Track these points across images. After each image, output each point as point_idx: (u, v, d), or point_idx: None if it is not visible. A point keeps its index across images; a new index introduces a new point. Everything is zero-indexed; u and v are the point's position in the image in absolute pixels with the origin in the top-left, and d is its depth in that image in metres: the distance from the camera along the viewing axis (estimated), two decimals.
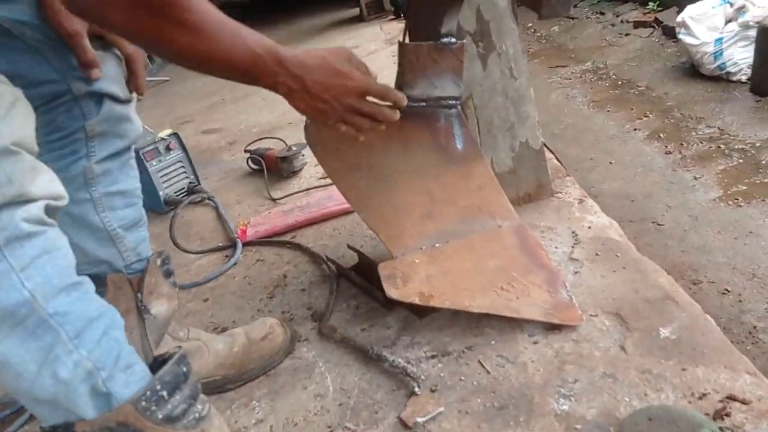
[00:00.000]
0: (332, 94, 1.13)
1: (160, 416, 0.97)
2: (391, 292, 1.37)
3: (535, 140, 1.77)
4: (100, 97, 1.20)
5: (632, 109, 3.92)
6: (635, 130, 3.62)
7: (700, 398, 1.09)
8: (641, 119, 3.73)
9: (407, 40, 1.42)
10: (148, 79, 5.00)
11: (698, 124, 3.41)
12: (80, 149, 1.23)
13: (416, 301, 1.37)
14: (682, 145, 3.25)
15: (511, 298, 1.37)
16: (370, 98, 1.18)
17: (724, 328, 1.96)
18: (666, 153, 3.23)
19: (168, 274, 1.38)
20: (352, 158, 1.46)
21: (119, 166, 1.29)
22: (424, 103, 1.43)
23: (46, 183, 0.91)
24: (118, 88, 1.24)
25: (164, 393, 0.98)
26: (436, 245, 1.49)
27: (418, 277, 1.41)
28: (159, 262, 1.35)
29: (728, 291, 2.12)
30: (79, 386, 0.91)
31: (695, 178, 2.88)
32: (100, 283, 1.20)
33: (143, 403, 0.95)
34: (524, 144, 1.77)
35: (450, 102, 1.45)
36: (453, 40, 1.38)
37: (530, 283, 1.41)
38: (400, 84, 1.43)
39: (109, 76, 1.21)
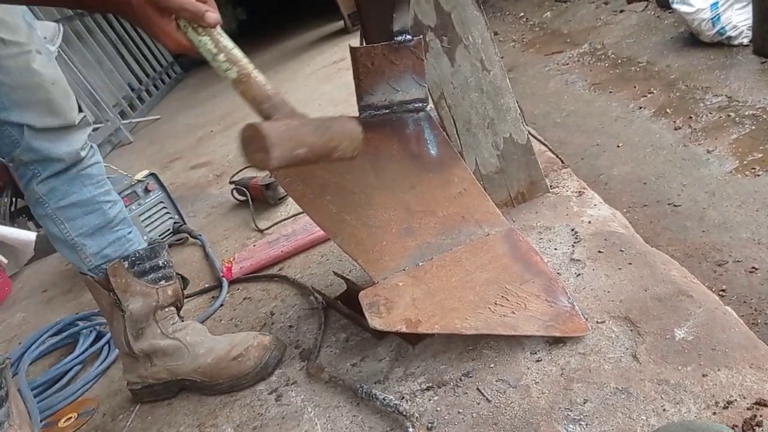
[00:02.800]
0: None
1: None
2: (375, 322, 1.23)
3: (520, 134, 1.62)
4: (19, 127, 1.30)
5: (635, 87, 3.75)
6: (640, 108, 3.45)
7: (725, 407, 0.94)
8: (645, 96, 3.55)
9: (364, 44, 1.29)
10: (139, 119, 4.99)
11: (705, 95, 3.22)
12: (26, 173, 1.38)
13: (403, 329, 1.23)
14: (690, 118, 3.07)
15: (507, 314, 1.23)
16: None
17: (756, 309, 1.80)
18: (675, 129, 3.05)
19: (141, 273, 1.47)
20: (318, 179, 1.33)
21: (67, 182, 1.40)
22: (387, 110, 1.30)
23: None
24: (34, 117, 1.30)
25: None
26: (420, 263, 1.35)
27: (402, 302, 1.27)
28: (127, 264, 1.45)
29: (756, 269, 1.95)
30: None
31: (708, 152, 2.70)
32: None
33: None
34: (508, 140, 1.62)
35: (416, 105, 1.31)
36: (408, 37, 1.25)
37: (526, 293, 1.26)
38: (359, 93, 1.30)
39: (23, 103, 1.28)
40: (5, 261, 2.92)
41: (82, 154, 1.41)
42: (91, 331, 2.00)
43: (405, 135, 1.35)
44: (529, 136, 1.66)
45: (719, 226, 2.22)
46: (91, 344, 1.94)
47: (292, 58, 5.96)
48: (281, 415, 1.34)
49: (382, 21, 1.27)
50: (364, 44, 1.36)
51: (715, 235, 2.18)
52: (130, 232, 1.52)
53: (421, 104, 1.32)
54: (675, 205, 2.47)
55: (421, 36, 1.29)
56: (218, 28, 1.04)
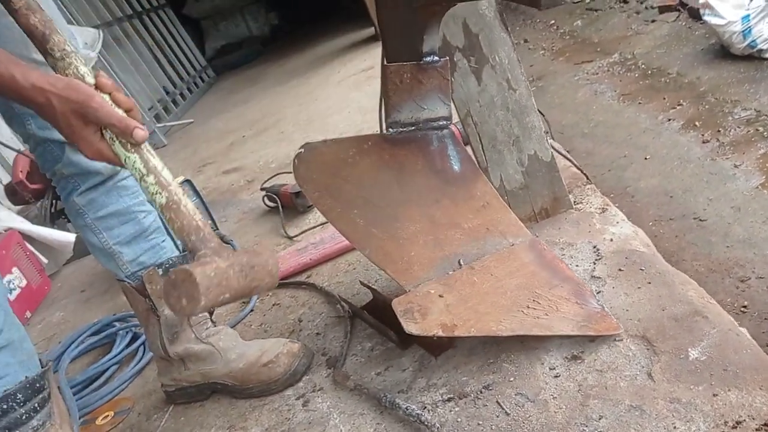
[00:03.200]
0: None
1: None
2: (411, 327, 1.26)
3: (545, 152, 1.66)
4: (61, 144, 1.38)
5: (664, 98, 3.74)
6: (669, 120, 3.44)
7: (734, 427, 0.98)
8: (674, 108, 3.55)
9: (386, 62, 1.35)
10: (173, 123, 5.09)
11: (734, 108, 3.21)
12: (66, 186, 1.47)
13: (440, 333, 1.26)
14: (719, 131, 3.07)
15: (540, 316, 1.27)
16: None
17: None
18: (703, 142, 3.05)
19: None
20: (346, 194, 1.39)
21: (104, 193, 1.48)
22: (413, 127, 1.36)
23: None
24: None
25: None
26: (449, 272, 1.39)
27: (436, 308, 1.31)
28: (161, 271, 1.53)
29: None
30: None
31: (735, 166, 2.70)
32: None
33: None
34: (533, 157, 1.66)
35: (441, 123, 1.36)
36: (436, 58, 1.30)
37: (557, 297, 1.31)
38: (387, 110, 1.35)
39: None
40: (45, 261, 3.04)
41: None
42: (127, 332, 2.09)
43: (429, 151, 1.40)
44: (554, 153, 1.70)
45: (743, 241, 2.23)
46: (128, 345, 2.03)
47: (323, 65, 6.03)
48: (308, 421, 1.39)
49: (409, 41, 1.32)
50: (385, 62, 1.41)
51: (739, 251, 2.19)
52: (163, 240, 1.59)
53: (445, 122, 1.38)
54: (700, 220, 2.47)
55: (448, 57, 1.34)
56: (146, 145, 1.04)
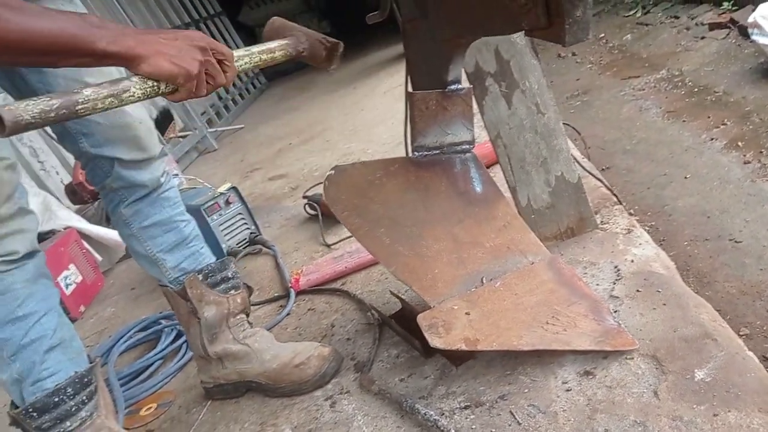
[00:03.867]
0: (182, 36, 1.13)
1: None
2: (435, 341, 1.35)
3: (571, 173, 1.73)
4: (111, 160, 1.48)
5: (709, 117, 3.71)
6: (712, 139, 3.42)
7: None
8: (718, 128, 3.52)
9: (410, 89, 1.43)
10: (224, 128, 5.24)
11: None
12: (114, 198, 1.57)
13: (462, 347, 1.34)
14: (761, 153, 3.05)
15: (559, 331, 1.33)
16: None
17: None
18: (744, 163, 3.03)
19: (214, 284, 1.65)
20: (373, 214, 1.47)
21: (149, 204, 1.58)
22: (438, 151, 1.44)
23: (1, 246, 1.31)
24: (124, 151, 1.48)
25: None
26: (471, 289, 1.47)
27: (460, 323, 1.39)
28: (201, 276, 1.63)
29: None
30: (10, 387, 1.38)
31: None
32: None
33: None
34: (560, 178, 1.72)
35: (464, 147, 1.44)
36: (460, 86, 1.38)
37: (575, 313, 1.37)
38: (413, 135, 1.44)
39: (115, 140, 1.46)
40: (100, 258, 3.21)
41: (162, 180, 1.60)
42: (171, 330, 2.22)
43: (453, 173, 1.48)
44: (581, 174, 1.75)
45: None
46: (172, 342, 2.16)
47: (371, 75, 6.13)
48: (334, 421, 1.48)
49: (435, 70, 1.41)
50: (410, 89, 1.50)
51: None
52: (202, 248, 1.70)
53: (468, 146, 1.45)
54: (736, 241, 2.47)
55: (471, 86, 1.42)
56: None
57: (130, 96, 1.06)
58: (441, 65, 1.35)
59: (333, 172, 1.44)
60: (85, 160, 1.52)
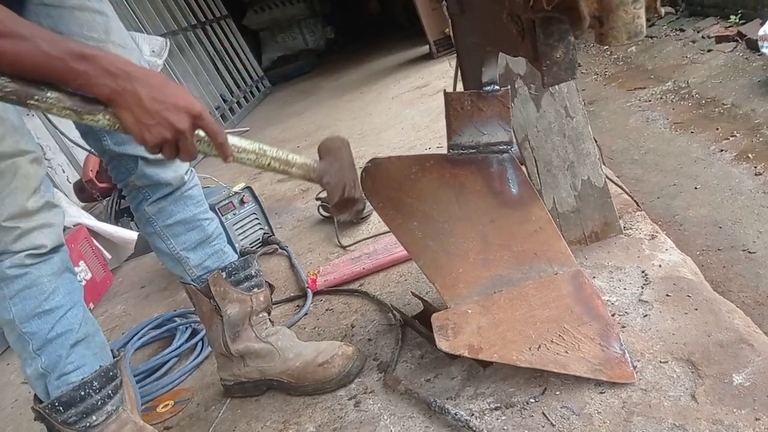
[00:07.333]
0: (174, 96, 1.10)
1: None
2: (442, 344, 1.38)
3: (598, 178, 1.73)
4: (134, 158, 1.47)
5: (717, 129, 3.73)
6: (721, 151, 3.44)
7: None
8: (727, 139, 3.54)
9: (460, 88, 1.44)
10: (229, 130, 5.22)
11: None
12: (138, 196, 1.56)
13: (465, 353, 1.36)
14: None
15: (560, 352, 1.33)
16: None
17: None
18: (755, 174, 3.04)
19: (237, 282, 1.65)
20: (408, 207, 1.47)
21: (172, 203, 1.57)
22: (473, 150, 1.44)
23: (28, 240, 1.31)
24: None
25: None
26: (490, 293, 1.47)
27: (469, 329, 1.40)
28: (224, 274, 1.63)
29: None
30: (35, 382, 1.38)
31: None
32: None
33: None
34: (586, 182, 1.73)
35: (501, 147, 1.44)
36: (496, 87, 1.38)
37: (582, 335, 1.36)
38: (449, 133, 1.44)
39: None
40: (109, 256, 3.20)
41: (186, 178, 1.58)
42: (187, 328, 2.20)
43: (489, 173, 1.48)
44: (607, 179, 1.75)
45: None
46: (187, 339, 2.14)
47: (377, 80, 6.15)
48: (359, 420, 1.47)
49: (471, 72, 1.41)
50: (462, 87, 1.50)
51: None
52: (225, 246, 1.69)
53: (505, 146, 1.45)
54: (750, 252, 2.48)
55: (509, 87, 1.42)
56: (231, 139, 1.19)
57: (92, 119, 1.06)
58: (477, 66, 1.35)
59: (370, 164, 1.44)
60: (108, 158, 1.51)
